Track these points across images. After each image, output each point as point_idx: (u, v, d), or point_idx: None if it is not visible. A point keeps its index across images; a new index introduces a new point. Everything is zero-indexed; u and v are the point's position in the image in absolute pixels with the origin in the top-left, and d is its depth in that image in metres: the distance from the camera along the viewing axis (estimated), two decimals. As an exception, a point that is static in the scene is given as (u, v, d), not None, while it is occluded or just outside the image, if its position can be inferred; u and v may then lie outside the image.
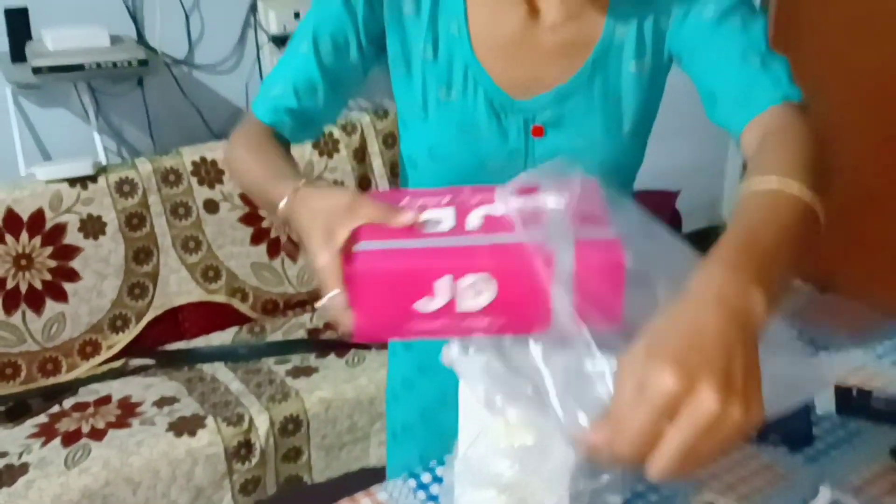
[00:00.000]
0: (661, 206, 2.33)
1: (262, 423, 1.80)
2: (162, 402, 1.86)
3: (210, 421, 1.78)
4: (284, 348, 2.06)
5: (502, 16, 0.92)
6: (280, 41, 2.26)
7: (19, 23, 1.99)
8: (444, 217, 0.71)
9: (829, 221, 0.69)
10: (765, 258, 0.61)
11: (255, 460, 1.79)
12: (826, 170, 0.72)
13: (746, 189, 0.69)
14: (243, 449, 1.78)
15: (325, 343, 2.06)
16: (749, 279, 0.58)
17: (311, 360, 2.01)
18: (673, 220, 2.42)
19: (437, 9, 0.93)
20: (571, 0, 0.92)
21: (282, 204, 0.76)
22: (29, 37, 2.00)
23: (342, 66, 0.94)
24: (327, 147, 2.24)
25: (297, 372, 1.96)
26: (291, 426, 1.83)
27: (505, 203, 0.71)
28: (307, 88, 0.93)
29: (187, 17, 2.22)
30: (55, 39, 1.94)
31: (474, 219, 0.71)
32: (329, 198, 0.73)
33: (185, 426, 1.77)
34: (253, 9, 2.29)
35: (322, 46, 0.93)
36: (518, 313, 0.66)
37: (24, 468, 1.67)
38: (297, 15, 2.27)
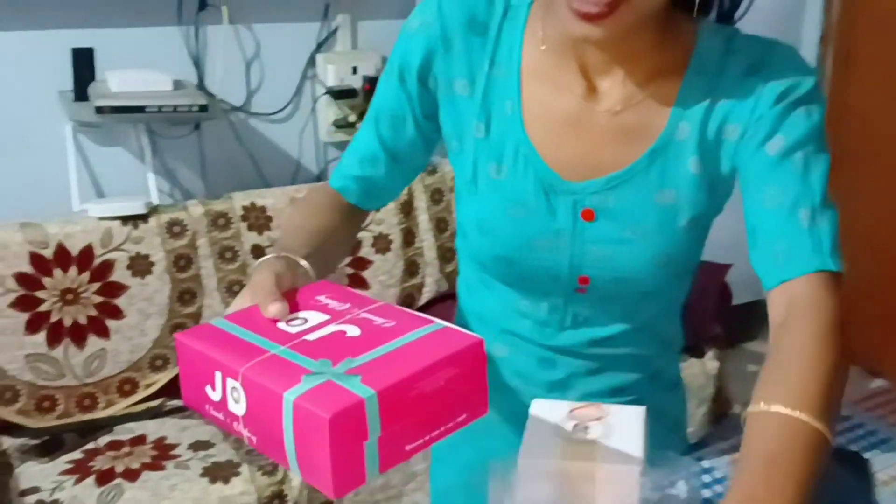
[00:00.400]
0: (712, 278, 2.32)
1: (295, 476, 1.78)
2: (197, 446, 1.85)
3: (244, 469, 1.77)
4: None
5: (558, 95, 0.91)
6: (336, 94, 2.30)
7: (85, 63, 2.05)
8: (309, 319, 0.74)
9: (880, 303, 0.71)
10: (785, 491, 0.68)
11: (286, 512, 1.77)
12: (843, 371, 0.77)
13: (764, 406, 0.74)
14: (276, 500, 1.76)
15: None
16: None
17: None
18: (723, 293, 2.40)
19: (491, 88, 0.92)
20: (634, 86, 0.89)
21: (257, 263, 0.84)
22: (93, 77, 2.05)
23: (401, 141, 0.98)
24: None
25: (333, 424, 1.94)
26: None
27: (363, 331, 0.72)
28: (370, 159, 0.99)
29: (247, 66, 2.27)
30: (119, 81, 1.99)
31: (323, 332, 0.72)
32: (256, 274, 0.79)
33: (220, 472, 1.76)
34: (312, 61, 2.33)
35: (381, 123, 0.98)
36: (267, 440, 0.67)
37: (55, 505, 1.67)
38: (354, 70, 2.31)
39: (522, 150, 0.92)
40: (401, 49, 0.95)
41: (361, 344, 0.69)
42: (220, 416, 0.70)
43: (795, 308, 0.81)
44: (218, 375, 0.69)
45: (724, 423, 2.41)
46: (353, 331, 0.72)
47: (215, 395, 0.70)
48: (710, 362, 2.33)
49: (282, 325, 0.73)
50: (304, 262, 0.84)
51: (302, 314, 0.75)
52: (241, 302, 0.77)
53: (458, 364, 0.68)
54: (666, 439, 0.89)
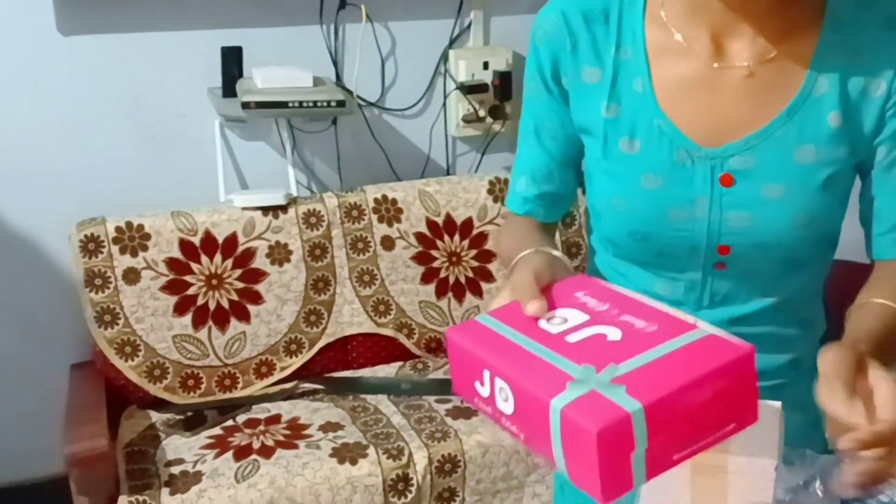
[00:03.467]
0: (859, 276, 2.21)
1: (420, 460, 1.83)
2: (328, 427, 1.93)
3: (371, 451, 1.83)
4: (445, 387, 2.09)
5: (687, 63, 0.92)
6: (467, 89, 2.33)
7: (233, 61, 2.16)
8: (569, 319, 0.74)
9: None
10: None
11: (411, 496, 1.82)
12: None
13: (868, 298, 0.86)
14: (401, 483, 1.81)
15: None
16: None
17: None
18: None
19: (619, 71, 0.94)
20: (765, 43, 0.89)
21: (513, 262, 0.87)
22: (241, 74, 2.15)
23: (566, 145, 1.01)
24: (502, 193, 2.28)
25: (457, 413, 1.98)
26: (448, 466, 1.85)
27: (633, 334, 0.72)
28: (544, 175, 1.03)
29: (383, 63, 2.33)
30: (264, 78, 2.08)
31: (583, 334, 0.72)
32: (516, 272, 0.82)
33: (348, 453, 1.82)
34: (444, 57, 2.37)
35: (543, 136, 1.01)
36: (534, 438, 0.68)
37: (197, 477, 1.77)
38: (486, 65, 2.33)
39: (656, 122, 0.93)
40: (534, 60, 0.99)
41: (623, 349, 0.69)
42: (489, 409, 0.72)
43: None
44: (486, 374, 0.71)
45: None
46: (613, 334, 0.71)
47: (484, 391, 0.72)
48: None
49: (543, 324, 0.74)
50: (560, 255, 0.86)
51: (561, 312, 0.75)
52: (502, 299, 0.79)
53: (727, 376, 0.67)
54: (805, 435, 0.86)
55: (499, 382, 0.69)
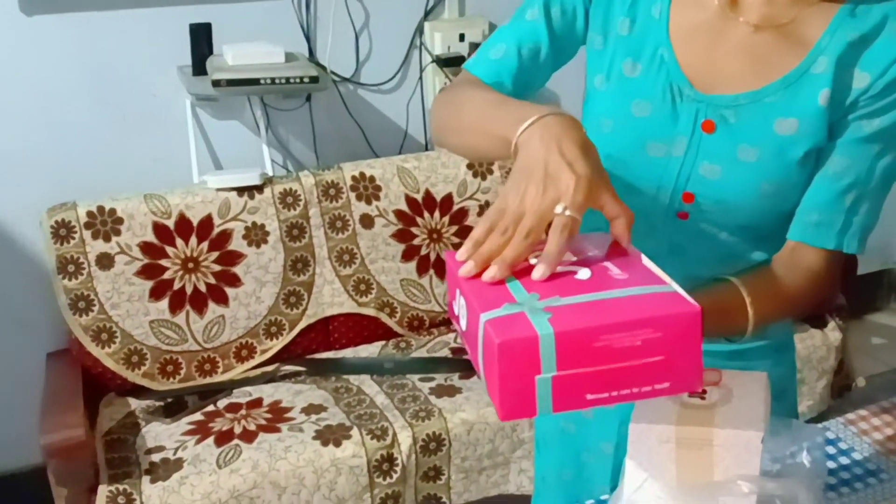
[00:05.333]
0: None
1: (404, 439, 1.80)
2: (310, 410, 1.90)
3: (355, 432, 1.80)
4: (429, 366, 2.06)
5: (705, 3, 0.92)
6: (444, 62, 2.29)
7: (203, 38, 2.10)
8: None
9: None
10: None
11: (396, 476, 1.80)
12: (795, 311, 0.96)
13: (733, 281, 0.88)
14: (385, 464, 1.79)
15: (469, 363, 2.05)
16: None
17: (455, 380, 2.00)
18: (848, 262, 2.28)
19: None
20: (781, 6, 0.89)
21: (523, 126, 0.77)
22: (210, 51, 2.10)
23: (568, 33, 0.98)
24: (481, 168, 2.24)
25: (441, 391, 1.95)
26: (433, 445, 1.83)
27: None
28: (531, 51, 0.98)
29: (357, 37, 2.29)
30: (235, 55, 2.03)
31: (558, 269, 0.73)
32: (578, 150, 0.74)
33: (332, 435, 1.80)
34: (420, 30, 2.33)
35: (553, 11, 0.97)
36: (473, 353, 0.72)
37: (178, 464, 1.74)
38: (461, 37, 2.29)
39: (661, 51, 0.93)
40: None
41: (580, 287, 0.70)
42: (458, 327, 0.76)
43: (802, 268, 0.91)
44: (457, 292, 0.75)
45: (845, 397, 2.30)
46: (583, 273, 0.72)
47: (456, 308, 0.76)
48: (832, 333, 2.22)
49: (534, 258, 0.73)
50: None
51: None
52: (541, 188, 0.73)
53: (662, 328, 0.66)
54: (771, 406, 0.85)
55: (460, 300, 0.73)
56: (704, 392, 0.86)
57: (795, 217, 0.92)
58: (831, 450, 0.95)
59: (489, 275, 0.72)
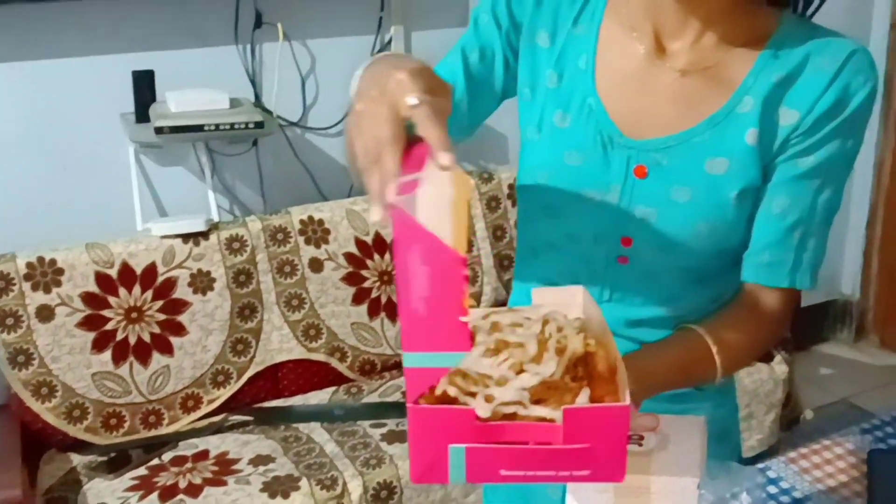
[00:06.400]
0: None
1: (355, 489, 1.77)
2: (258, 461, 1.86)
3: (304, 483, 1.76)
4: (380, 411, 2.04)
5: (630, 54, 0.94)
6: (390, 105, 2.29)
7: (145, 85, 2.09)
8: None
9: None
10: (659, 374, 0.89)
11: (346, 527, 1.76)
12: (752, 361, 0.96)
13: (693, 325, 0.92)
14: (335, 514, 1.75)
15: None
16: None
17: (406, 424, 1.97)
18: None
19: (569, 44, 0.96)
20: (705, 51, 0.91)
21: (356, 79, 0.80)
22: (153, 98, 2.08)
23: (485, 76, 0.99)
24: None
25: (393, 437, 1.92)
26: (385, 493, 1.80)
27: None
28: (448, 79, 0.95)
29: (303, 81, 2.28)
30: (178, 102, 2.02)
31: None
32: (394, 59, 0.77)
33: (280, 487, 1.76)
34: (365, 74, 2.33)
35: (470, 54, 0.99)
36: None
37: (121, 520, 1.69)
38: (407, 80, 2.30)
39: (589, 101, 0.95)
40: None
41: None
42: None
43: (758, 308, 0.94)
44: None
45: (794, 431, 2.31)
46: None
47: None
48: (779, 366, 2.24)
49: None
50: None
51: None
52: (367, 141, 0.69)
53: (588, 419, 0.64)
54: (713, 449, 0.85)
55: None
56: (641, 438, 0.86)
57: (746, 259, 0.93)
58: (772, 489, 0.95)
59: (391, 197, 0.65)
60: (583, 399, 0.66)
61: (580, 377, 0.69)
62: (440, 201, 0.69)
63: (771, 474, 0.96)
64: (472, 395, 0.66)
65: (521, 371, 0.68)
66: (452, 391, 0.66)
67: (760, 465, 0.98)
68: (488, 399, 0.65)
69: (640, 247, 0.94)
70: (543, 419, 0.65)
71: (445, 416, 0.62)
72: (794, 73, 0.89)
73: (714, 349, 0.90)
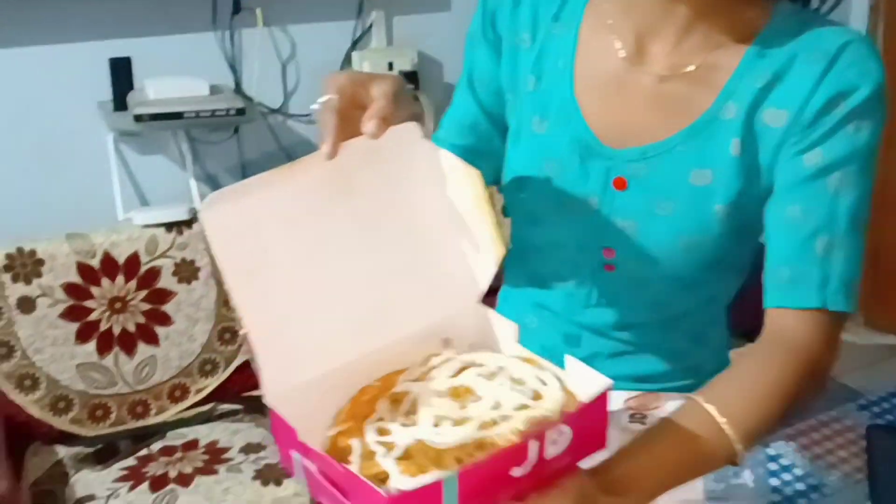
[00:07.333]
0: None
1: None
2: (248, 449, 1.85)
3: (296, 471, 1.76)
4: (369, 398, 2.03)
5: (608, 56, 0.89)
6: (372, 91, 2.28)
7: (123, 73, 2.06)
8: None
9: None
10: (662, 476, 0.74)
11: (339, 513, 1.76)
12: (788, 411, 0.79)
13: (704, 401, 0.77)
14: (328, 501, 1.75)
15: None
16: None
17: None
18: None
19: (548, 43, 0.92)
20: (686, 55, 0.86)
21: None
22: (131, 86, 2.06)
23: (497, 97, 0.97)
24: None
25: (383, 423, 1.93)
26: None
27: None
28: (470, 124, 0.98)
29: (283, 67, 2.26)
30: (157, 89, 1.99)
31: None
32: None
33: (272, 474, 1.75)
34: (348, 59, 2.32)
35: (476, 83, 0.97)
36: None
37: (111, 512, 1.68)
38: (390, 65, 2.29)
39: (566, 107, 0.90)
40: (480, 9, 0.96)
41: None
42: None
43: (784, 339, 0.80)
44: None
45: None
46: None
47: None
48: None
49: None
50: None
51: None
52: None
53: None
54: None
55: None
56: (644, 416, 0.87)
57: (766, 282, 0.84)
58: (774, 466, 0.96)
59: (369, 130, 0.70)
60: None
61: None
62: (462, 203, 0.71)
63: (771, 451, 0.98)
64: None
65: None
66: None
67: (761, 443, 1.00)
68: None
69: (623, 257, 0.91)
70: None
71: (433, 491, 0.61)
72: (780, 71, 0.83)
73: (721, 421, 0.75)
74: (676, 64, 0.87)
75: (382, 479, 0.65)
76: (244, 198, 0.69)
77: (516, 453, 0.63)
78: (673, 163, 0.86)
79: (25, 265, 1.89)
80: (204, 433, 1.93)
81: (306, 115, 2.31)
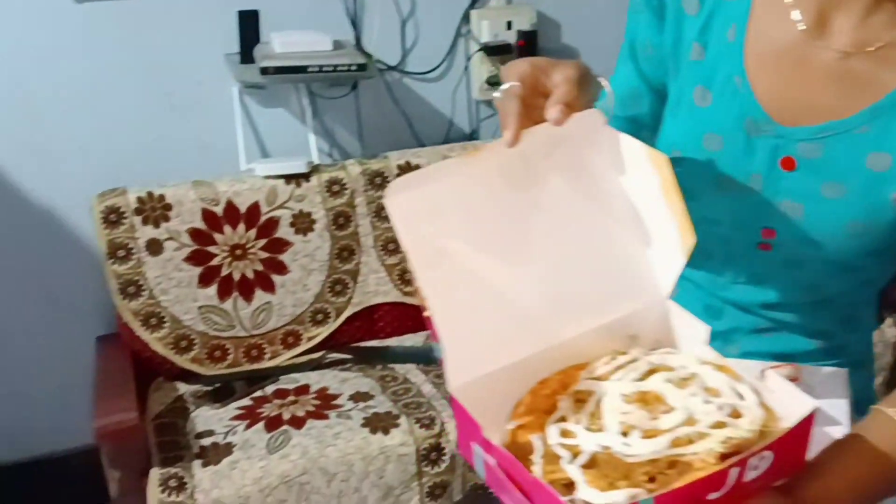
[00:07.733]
0: None
1: (452, 429, 1.81)
2: (357, 397, 1.91)
3: (403, 421, 1.81)
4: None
5: (786, 27, 0.83)
6: (491, 50, 2.27)
7: (251, 25, 2.11)
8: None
9: None
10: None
11: (444, 465, 1.80)
12: None
13: (886, 412, 0.76)
14: (434, 453, 1.79)
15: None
16: None
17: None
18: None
19: (718, 8, 0.86)
20: (873, 29, 0.80)
21: None
22: (258, 39, 2.10)
23: (661, 68, 0.93)
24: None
25: (487, 381, 1.95)
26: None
27: None
28: (632, 96, 0.94)
29: (403, 25, 2.28)
30: (283, 43, 2.03)
31: None
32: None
33: (380, 423, 1.80)
34: (466, 18, 2.32)
35: (638, 53, 0.93)
36: None
37: (228, 448, 1.76)
38: (509, 24, 2.27)
39: (735, 79, 0.85)
40: None
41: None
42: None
43: None
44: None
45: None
46: None
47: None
48: (890, 329, 2.18)
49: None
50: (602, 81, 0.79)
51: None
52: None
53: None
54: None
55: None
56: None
57: None
58: None
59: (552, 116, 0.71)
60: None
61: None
62: (647, 191, 0.70)
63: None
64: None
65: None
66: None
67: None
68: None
69: (783, 239, 0.87)
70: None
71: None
72: None
73: None
74: (862, 40, 0.81)
75: (566, 484, 0.63)
76: (426, 184, 0.69)
77: (715, 481, 0.60)
78: (849, 144, 0.82)
79: (155, 209, 1.98)
80: (315, 379, 2.00)
81: (422, 73, 2.33)
